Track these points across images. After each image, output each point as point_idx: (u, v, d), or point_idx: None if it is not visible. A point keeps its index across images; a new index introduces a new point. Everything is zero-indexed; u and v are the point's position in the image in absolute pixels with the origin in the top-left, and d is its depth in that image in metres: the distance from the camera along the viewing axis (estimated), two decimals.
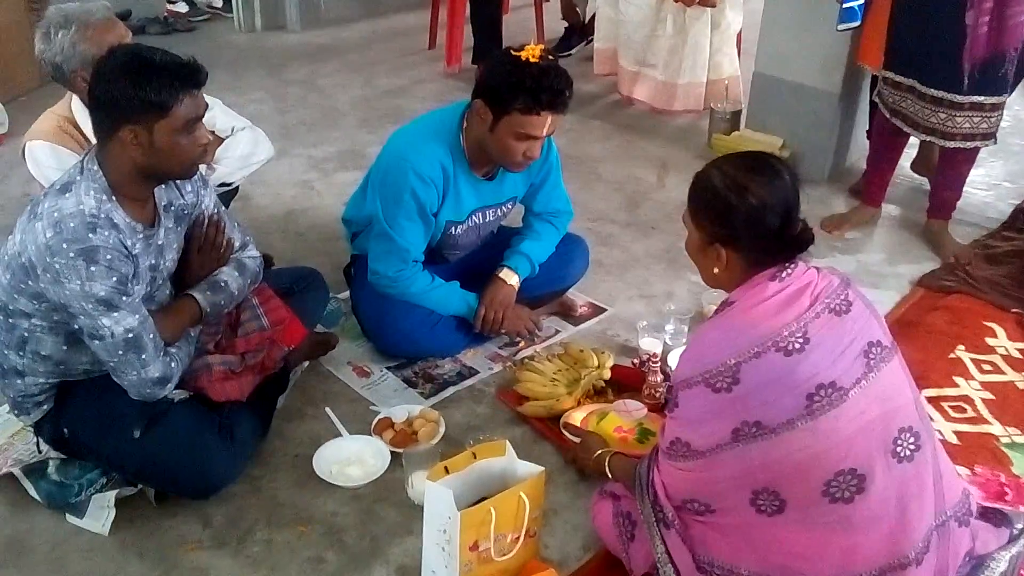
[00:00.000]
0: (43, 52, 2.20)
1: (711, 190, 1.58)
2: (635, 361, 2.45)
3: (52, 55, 2.18)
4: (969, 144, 2.91)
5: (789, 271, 1.57)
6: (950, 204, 3.14)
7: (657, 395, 2.27)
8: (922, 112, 2.91)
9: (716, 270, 1.62)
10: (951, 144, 2.92)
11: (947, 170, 3.10)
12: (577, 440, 2.11)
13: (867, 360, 1.52)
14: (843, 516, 1.50)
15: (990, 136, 2.89)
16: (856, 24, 3.10)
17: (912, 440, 1.53)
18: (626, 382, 2.37)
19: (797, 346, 1.49)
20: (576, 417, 2.21)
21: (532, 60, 2.10)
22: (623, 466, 1.86)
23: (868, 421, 1.50)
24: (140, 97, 1.70)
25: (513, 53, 2.14)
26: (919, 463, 1.53)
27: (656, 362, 2.35)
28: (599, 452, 1.96)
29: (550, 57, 2.16)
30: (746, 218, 1.55)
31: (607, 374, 2.37)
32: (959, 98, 2.82)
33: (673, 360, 2.47)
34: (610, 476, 1.89)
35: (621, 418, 2.16)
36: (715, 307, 2.62)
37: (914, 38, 2.88)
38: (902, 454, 1.52)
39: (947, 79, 2.82)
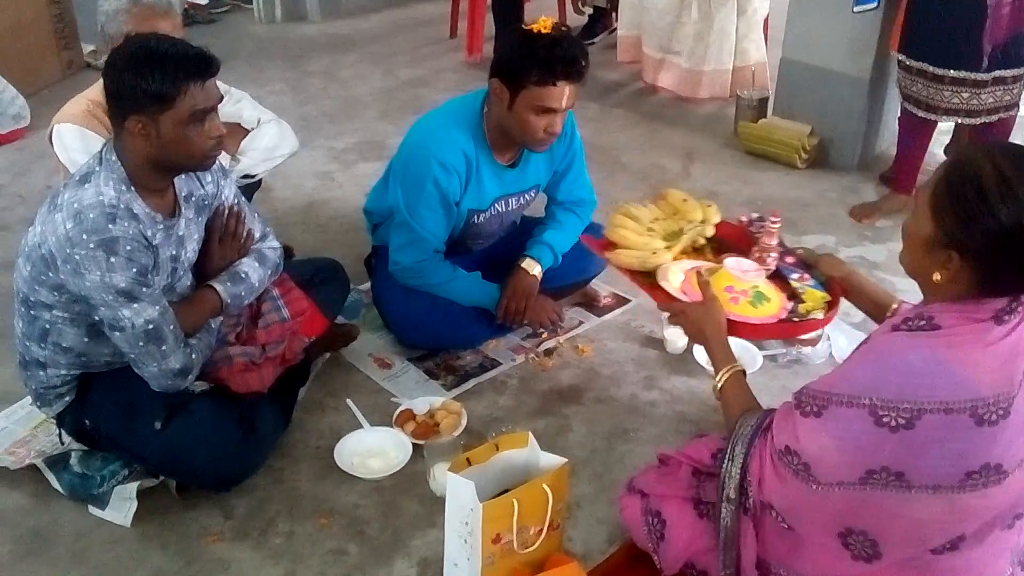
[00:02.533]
0: (100, 6, 2.25)
1: (975, 185, 1.27)
2: (742, 219, 2.16)
3: (102, 12, 2.23)
4: (993, 117, 2.94)
5: (1016, 315, 1.33)
6: None
7: (769, 259, 2.01)
8: (939, 94, 2.92)
9: (937, 276, 1.34)
10: (977, 121, 2.94)
11: None
12: (685, 297, 1.88)
13: None
14: (927, 562, 1.41)
15: (1014, 106, 2.94)
16: (873, 6, 3.05)
17: (1021, 510, 1.42)
18: (730, 242, 2.12)
19: (993, 419, 1.28)
20: (675, 272, 1.98)
21: (544, 32, 2.07)
22: (738, 395, 1.66)
23: (1008, 500, 1.37)
24: (143, 88, 1.68)
25: (524, 27, 2.12)
26: (1015, 530, 1.43)
27: (776, 222, 2.04)
28: (726, 347, 1.73)
29: (562, 28, 2.13)
30: (1008, 238, 1.25)
31: (711, 231, 2.13)
32: (982, 76, 2.85)
33: (699, 352, 2.43)
34: (716, 389, 1.71)
35: (734, 277, 1.92)
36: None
37: (932, 20, 2.88)
38: (1010, 524, 1.42)
39: (967, 60, 2.83)
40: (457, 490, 1.63)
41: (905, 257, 1.43)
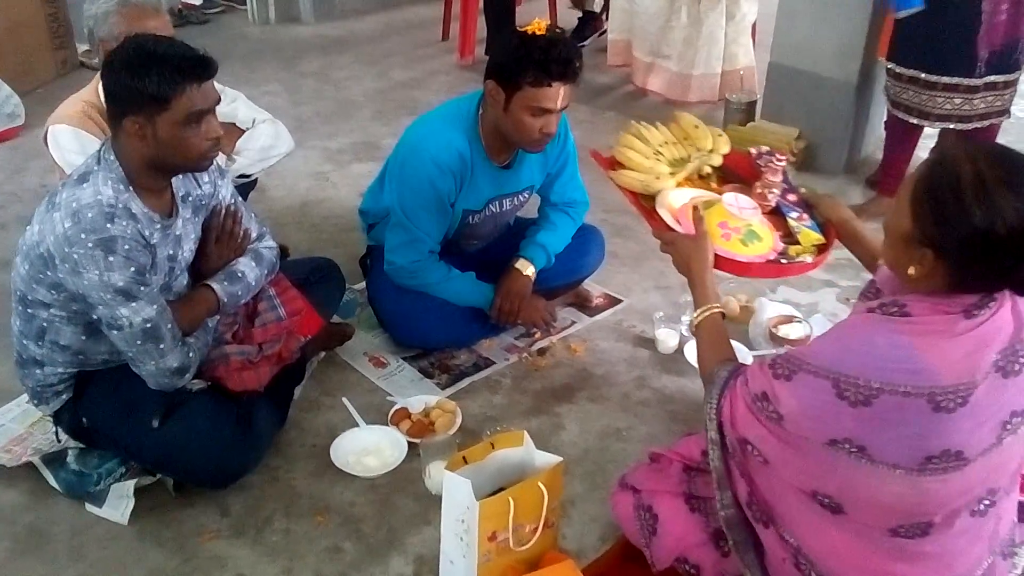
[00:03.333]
0: (87, 10, 2.26)
1: (952, 187, 1.27)
2: (751, 151, 2.12)
3: (90, 16, 2.24)
4: (985, 123, 2.96)
5: (987, 309, 1.34)
6: None
7: (770, 196, 2.00)
8: (932, 101, 2.94)
9: (912, 271, 1.36)
10: (969, 126, 2.96)
11: None
12: (679, 227, 1.87)
13: (1002, 431, 1.37)
14: (897, 545, 1.44)
15: (1004, 112, 2.97)
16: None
17: (991, 498, 1.44)
18: (737, 173, 2.09)
19: (951, 406, 1.31)
20: (675, 199, 1.95)
21: (538, 33, 2.10)
22: (714, 339, 1.67)
23: (970, 487, 1.39)
24: (139, 89, 1.69)
25: (519, 29, 2.14)
26: (989, 516, 1.46)
27: (782, 160, 2.03)
28: (710, 279, 1.73)
29: (556, 30, 2.15)
30: (981, 242, 1.26)
31: (718, 160, 2.10)
32: (974, 81, 2.87)
33: (690, 352, 2.46)
34: (694, 323, 1.72)
35: (729, 213, 1.91)
36: (738, 300, 2.65)
37: (924, 27, 2.89)
38: (977, 510, 1.44)
39: (961, 65, 2.86)
40: (454, 488, 1.64)
41: (885, 250, 1.46)
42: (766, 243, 1.93)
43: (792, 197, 2.03)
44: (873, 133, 3.67)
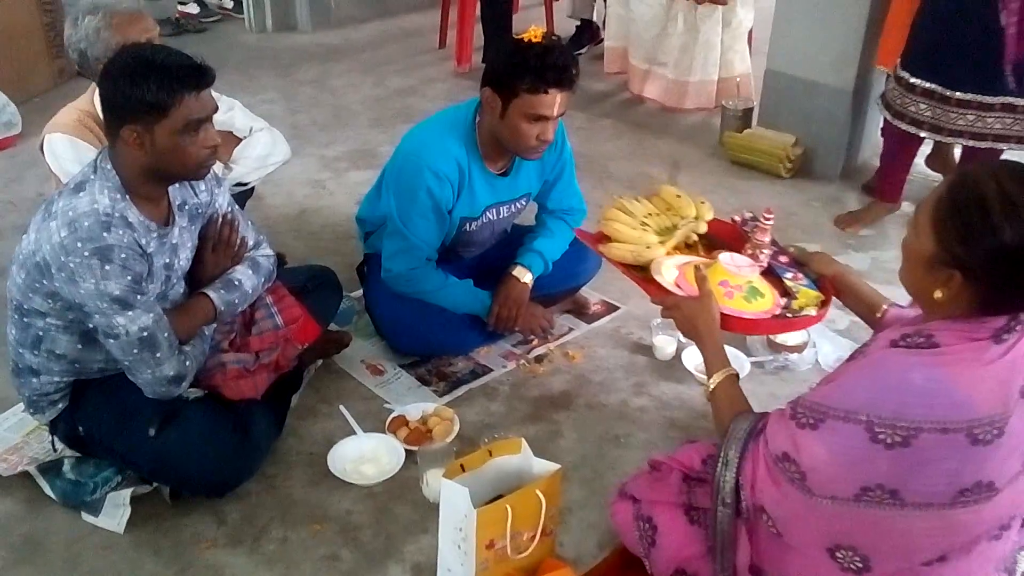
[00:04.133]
0: (70, 38, 2.24)
1: (978, 204, 1.26)
2: (735, 218, 2.16)
3: (77, 40, 2.22)
4: (1002, 145, 2.86)
5: (1015, 333, 1.32)
6: None
7: (761, 256, 2.02)
8: (946, 116, 2.84)
9: (938, 294, 1.33)
10: (983, 144, 2.86)
11: None
12: (679, 291, 1.87)
13: None
14: (916, 572, 1.42)
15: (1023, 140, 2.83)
16: None
17: (1011, 523, 1.43)
18: (722, 239, 2.12)
19: (988, 439, 1.28)
20: (669, 267, 1.97)
21: (534, 40, 2.10)
22: (730, 399, 1.64)
23: (997, 515, 1.37)
24: (138, 97, 1.69)
25: (515, 37, 2.15)
26: (1004, 540, 1.44)
27: (769, 219, 2.04)
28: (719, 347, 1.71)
29: (552, 37, 2.16)
30: (1011, 258, 1.25)
31: (703, 228, 2.13)
32: (988, 99, 2.78)
33: (688, 359, 2.46)
34: (708, 391, 1.69)
35: (729, 272, 1.92)
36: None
37: (943, 41, 2.80)
38: (996, 535, 1.42)
39: (979, 81, 2.76)
40: (451, 496, 1.64)
41: (905, 275, 1.41)
42: (769, 299, 1.93)
43: (783, 258, 2.05)
44: (869, 139, 3.68)
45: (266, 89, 4.53)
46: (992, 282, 1.28)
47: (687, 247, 2.12)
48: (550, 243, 2.52)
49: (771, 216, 2.05)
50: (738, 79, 4.14)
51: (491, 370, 2.48)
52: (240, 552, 1.90)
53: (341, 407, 2.28)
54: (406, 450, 2.11)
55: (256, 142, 2.56)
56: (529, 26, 2.21)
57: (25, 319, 1.86)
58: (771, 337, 2.49)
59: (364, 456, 2.12)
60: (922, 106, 2.89)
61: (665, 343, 2.52)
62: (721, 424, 1.63)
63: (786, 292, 1.96)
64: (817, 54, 3.48)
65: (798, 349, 2.50)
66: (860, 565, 1.41)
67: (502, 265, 2.50)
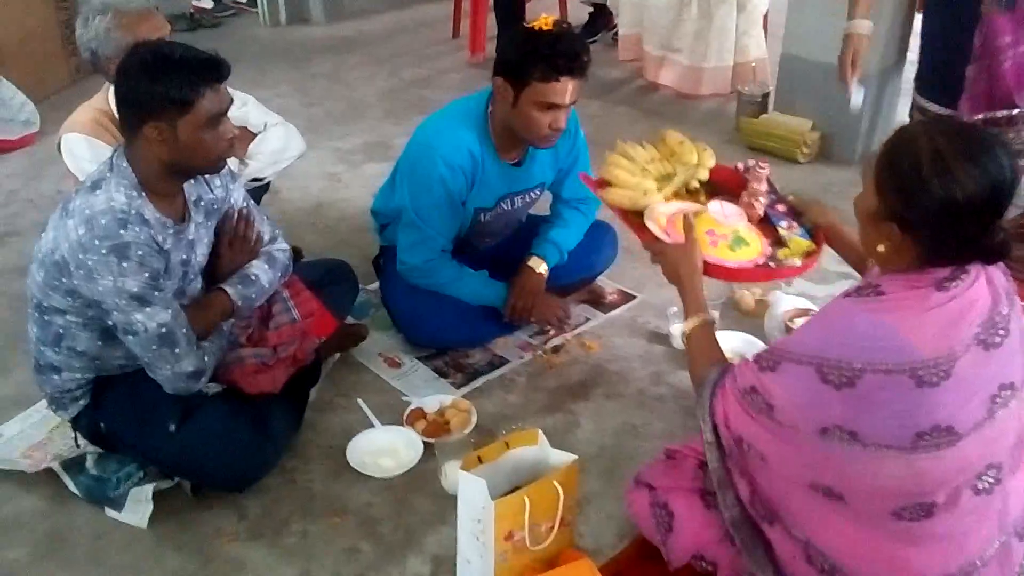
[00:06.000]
0: (81, 37, 2.24)
1: (911, 160, 1.33)
2: (738, 165, 2.16)
3: (88, 40, 2.22)
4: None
5: (959, 281, 1.38)
6: None
7: (757, 205, 2.03)
8: None
9: (881, 248, 1.41)
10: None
11: None
12: (667, 238, 1.89)
13: (992, 405, 1.38)
14: (904, 529, 1.44)
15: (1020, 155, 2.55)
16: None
17: (995, 474, 1.43)
18: (724, 186, 2.12)
19: (934, 380, 1.33)
20: (662, 212, 1.99)
21: (545, 28, 2.09)
22: (704, 346, 1.70)
23: (967, 463, 1.40)
24: (161, 93, 1.70)
25: (526, 25, 2.14)
26: (995, 494, 1.45)
27: (763, 168, 2.08)
28: (698, 283, 1.76)
29: (564, 24, 2.14)
30: (941, 211, 1.31)
31: (704, 175, 2.12)
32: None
33: (675, 329, 2.44)
34: (685, 334, 1.75)
35: (716, 220, 1.95)
36: (752, 294, 2.63)
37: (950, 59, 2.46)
38: (981, 488, 1.43)
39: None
40: (469, 488, 1.64)
41: (860, 232, 1.49)
42: (754, 248, 1.94)
43: (780, 207, 2.05)
44: (889, 124, 3.63)
45: (280, 83, 4.54)
46: (928, 234, 1.36)
47: (689, 193, 2.12)
48: (565, 233, 2.51)
49: (765, 165, 2.09)
50: (754, 64, 4.10)
51: (508, 361, 2.48)
52: (261, 545, 1.91)
53: (359, 400, 2.29)
54: (424, 442, 2.12)
55: (271, 137, 2.56)
56: (542, 13, 2.19)
57: (45, 317, 1.87)
58: (788, 324, 2.47)
59: (382, 449, 2.13)
60: None
61: (681, 331, 2.50)
62: (695, 369, 1.69)
63: (779, 241, 1.97)
64: (833, 37, 3.39)
65: None
66: (837, 496, 1.45)
67: (517, 256, 2.49)
